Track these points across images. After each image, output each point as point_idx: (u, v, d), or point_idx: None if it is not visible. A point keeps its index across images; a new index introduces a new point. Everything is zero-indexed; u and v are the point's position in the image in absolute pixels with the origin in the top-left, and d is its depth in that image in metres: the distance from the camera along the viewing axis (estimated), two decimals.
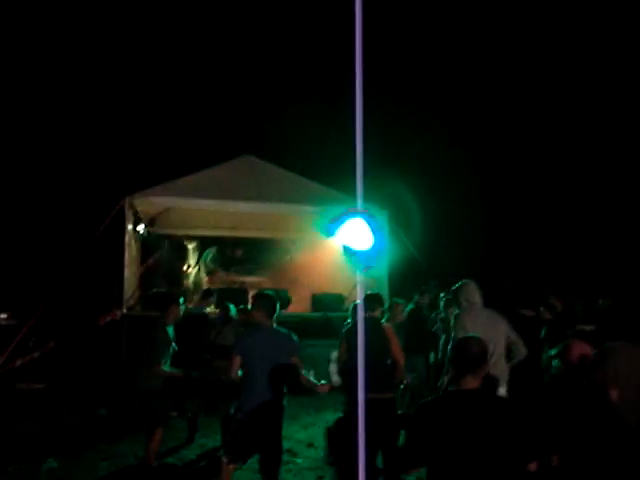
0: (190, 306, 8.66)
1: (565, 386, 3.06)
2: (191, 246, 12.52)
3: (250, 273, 12.34)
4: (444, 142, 16.22)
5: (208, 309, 7.49)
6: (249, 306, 7.09)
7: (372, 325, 4.92)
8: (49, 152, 14.98)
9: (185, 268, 12.36)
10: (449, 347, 5.16)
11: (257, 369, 4.34)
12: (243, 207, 10.44)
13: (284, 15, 16.53)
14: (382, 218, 10.71)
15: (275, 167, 11.33)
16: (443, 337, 6.11)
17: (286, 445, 5.48)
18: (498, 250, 15.61)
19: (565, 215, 15.60)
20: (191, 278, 12.28)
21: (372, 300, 5.08)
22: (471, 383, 2.63)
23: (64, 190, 14.30)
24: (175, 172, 10.68)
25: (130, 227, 10.15)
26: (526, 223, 15.92)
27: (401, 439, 4.94)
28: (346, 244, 9.57)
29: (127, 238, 9.96)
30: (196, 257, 12.52)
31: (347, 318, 7.40)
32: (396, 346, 4.92)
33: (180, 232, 12.28)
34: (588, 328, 5.39)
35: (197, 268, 12.40)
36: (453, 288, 5.11)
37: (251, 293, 10.44)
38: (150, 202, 10.17)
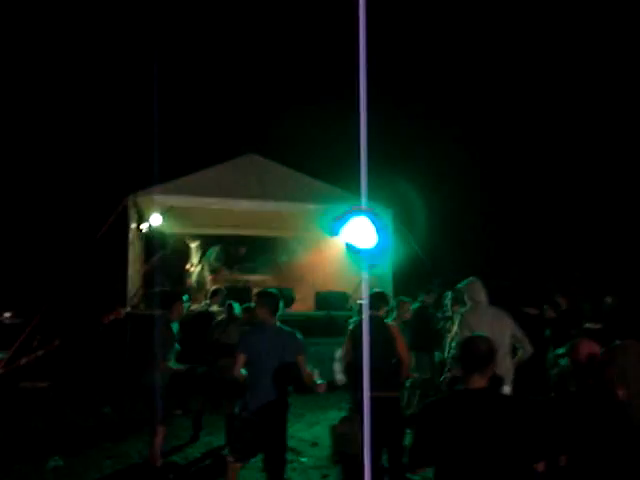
0: (194, 305, 8.67)
1: (573, 385, 3.04)
2: (194, 245, 12.52)
3: (254, 271, 12.33)
4: (449, 141, 16.18)
5: (215, 307, 7.47)
6: (253, 304, 7.11)
7: (377, 324, 4.90)
8: (52, 151, 15.00)
9: (188, 267, 12.35)
10: (453, 345, 5.18)
11: (262, 367, 4.32)
12: (247, 205, 10.42)
13: (288, 12, 16.51)
14: (386, 216, 10.69)
15: (279, 165, 11.31)
16: (448, 335, 6.09)
17: (291, 444, 5.48)
18: (502, 249, 15.58)
19: (569, 213, 15.56)
20: (194, 277, 12.28)
21: (377, 299, 5.05)
22: (478, 382, 2.61)
23: (68, 189, 14.32)
24: (179, 171, 10.68)
25: (133, 226, 10.16)
26: (530, 222, 15.89)
27: (407, 438, 4.93)
28: (350, 242, 9.54)
29: (131, 237, 9.97)
30: (199, 256, 12.51)
31: (351, 317, 7.42)
32: (402, 345, 4.90)
33: (184, 231, 12.28)
34: (595, 326, 5.36)
35: (200, 267, 12.39)
36: (458, 286, 5.10)
37: (255, 291, 10.44)
38: (153, 201, 10.16)
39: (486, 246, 15.27)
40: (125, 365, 8.72)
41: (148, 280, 11.34)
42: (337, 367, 5.66)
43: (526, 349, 4.82)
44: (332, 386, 9.65)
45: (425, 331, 6.51)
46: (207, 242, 12.56)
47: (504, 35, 16.66)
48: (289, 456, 5.25)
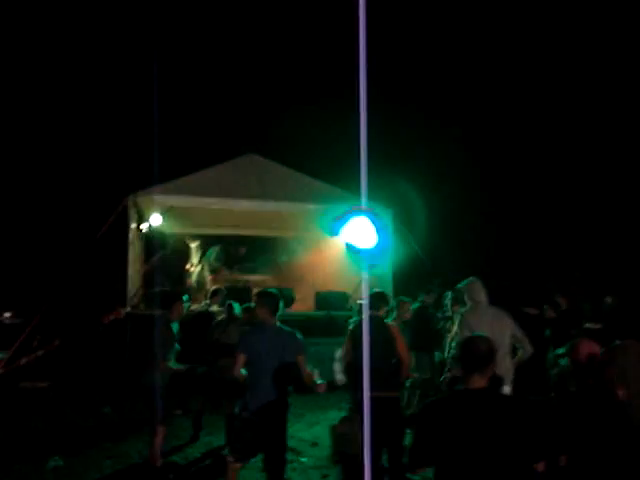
0: (194, 305, 8.67)
1: (573, 385, 3.04)
2: (193, 245, 12.52)
3: (254, 271, 12.33)
4: (449, 141, 16.18)
5: (215, 307, 7.47)
6: (253, 304, 7.11)
7: (377, 324, 4.90)
8: (52, 151, 15.00)
9: (188, 267, 12.35)
10: (453, 345, 5.18)
11: (262, 367, 4.33)
12: (247, 205, 10.42)
13: (288, 13, 16.51)
14: (386, 216, 10.69)
15: (279, 165, 11.31)
16: (448, 335, 6.09)
17: (291, 444, 5.48)
18: (502, 249, 15.58)
19: (569, 213, 15.56)
20: (194, 277, 12.28)
21: (377, 299, 5.05)
22: (478, 382, 2.61)
23: (67, 189, 14.32)
24: (178, 171, 10.67)
25: (133, 226, 10.15)
26: (530, 222, 15.88)
27: (407, 439, 4.93)
28: (350, 242, 9.54)
29: (131, 237, 9.97)
30: (199, 256, 12.50)
31: (351, 317, 7.41)
32: (402, 344, 4.90)
33: (184, 231, 12.28)
34: (595, 326, 5.36)
35: (200, 267, 12.39)
36: (458, 286, 5.10)
37: (255, 291, 10.43)
38: (153, 201, 10.16)
39: (486, 246, 15.27)
40: (125, 365, 8.73)
41: (148, 280, 11.34)
42: (337, 367, 5.66)
43: (526, 349, 4.82)
44: (332, 386, 9.64)
45: (425, 331, 6.51)
46: (207, 242, 12.56)
47: (504, 34, 16.66)
48: (289, 456, 5.25)
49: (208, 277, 11.81)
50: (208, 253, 12.32)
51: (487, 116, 16.67)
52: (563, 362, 3.14)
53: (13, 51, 15.32)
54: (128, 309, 9.33)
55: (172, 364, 5.42)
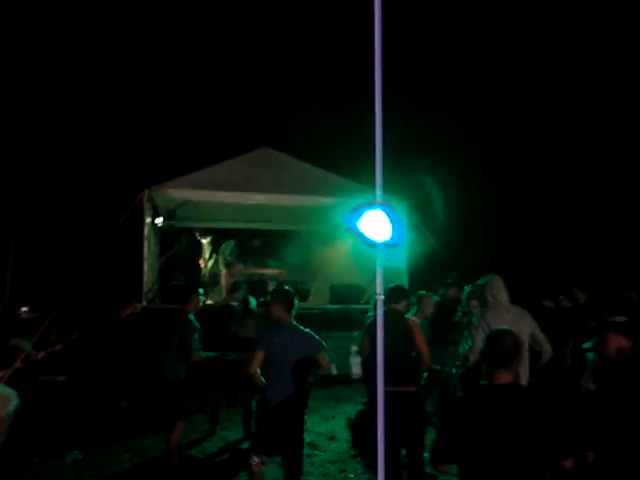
0: (209, 300, 8.67)
1: (601, 379, 2.98)
2: (205, 241, 12.49)
3: (268, 265, 12.30)
4: (464, 133, 16.02)
5: (234, 302, 7.45)
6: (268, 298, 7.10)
7: (395, 318, 4.85)
8: (68, 146, 15.08)
9: (201, 262, 12.33)
10: (470, 342, 5.09)
11: (280, 365, 4.34)
12: (261, 199, 10.38)
13: (302, 6, 16.41)
14: (402, 209, 10.61)
15: (293, 159, 11.24)
16: (465, 331, 6.02)
17: (308, 438, 5.47)
18: (519, 242, 15.43)
19: (586, 207, 15.35)
20: (208, 271, 12.28)
21: (395, 293, 5.00)
22: (504, 377, 2.57)
23: (83, 184, 14.39)
24: (193, 165, 10.66)
25: (148, 220, 10.16)
26: (548, 215, 15.70)
27: (429, 435, 4.90)
28: (365, 236, 9.51)
29: (146, 231, 9.98)
30: (211, 250, 12.49)
31: (368, 311, 7.37)
32: (420, 339, 4.84)
33: (198, 225, 12.29)
34: (620, 319, 5.27)
35: (214, 261, 12.39)
36: (479, 283, 5.00)
37: (270, 285, 10.43)
38: (168, 195, 10.16)
39: (502, 239, 15.13)
40: (142, 359, 8.78)
41: (163, 275, 11.39)
42: (354, 361, 5.63)
43: (545, 350, 4.69)
44: (348, 380, 9.67)
45: (445, 325, 6.45)
46: (221, 236, 12.55)
47: (522, 27, 16.44)
48: (306, 450, 5.23)
49: (223, 271, 11.81)
50: (222, 247, 12.32)
51: (505, 107, 16.45)
52: (590, 356, 3.07)
53: (31, 47, 15.40)
54: (144, 303, 9.35)
55: (202, 353, 5.46)
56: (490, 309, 4.77)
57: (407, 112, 14.61)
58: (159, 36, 16.55)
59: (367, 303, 10.11)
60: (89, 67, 15.95)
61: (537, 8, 16.23)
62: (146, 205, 9.94)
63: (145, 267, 9.87)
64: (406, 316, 5.08)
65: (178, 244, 12.37)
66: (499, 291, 4.78)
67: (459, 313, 6.66)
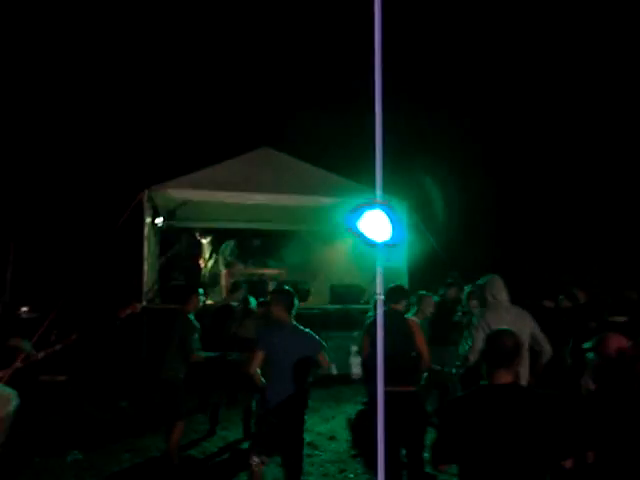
0: (209, 300, 8.67)
1: (601, 379, 2.98)
2: (205, 241, 12.48)
3: (268, 265, 12.30)
4: (464, 133, 16.01)
5: (234, 302, 7.46)
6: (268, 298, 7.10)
7: (395, 318, 4.85)
8: (68, 146, 15.07)
9: (201, 262, 12.32)
10: (470, 342, 5.09)
11: (281, 365, 4.34)
12: (261, 199, 10.38)
13: (302, 6, 16.41)
14: (402, 209, 10.61)
15: (293, 159, 11.24)
16: (465, 331, 6.02)
17: (308, 438, 5.47)
18: (518, 242, 15.43)
19: (585, 208, 15.34)
20: (208, 271, 12.28)
21: (395, 293, 5.00)
22: (504, 377, 2.57)
23: (83, 184, 14.39)
24: (193, 165, 10.66)
25: (148, 220, 10.16)
26: (547, 215, 15.69)
27: (429, 435, 4.90)
28: (365, 236, 9.51)
29: (146, 231, 9.97)
30: (211, 250, 12.48)
31: (368, 311, 7.36)
32: (420, 339, 4.84)
33: (198, 225, 12.29)
34: (620, 319, 5.27)
35: (214, 261, 12.39)
36: (479, 283, 5.00)
37: (270, 285, 10.43)
38: (168, 195, 10.16)
39: (502, 239, 15.12)
40: (142, 359, 8.78)
41: (163, 274, 11.39)
42: (354, 361, 5.63)
43: (545, 350, 4.69)
44: (348, 380, 9.66)
45: (445, 325, 6.45)
46: (221, 236, 12.55)
47: (521, 27, 16.43)
48: (306, 450, 5.23)
49: (223, 271, 11.81)
50: (222, 247, 12.32)
51: (505, 107, 16.44)
52: (590, 356, 3.07)
53: (29, 48, 15.39)
54: (144, 303, 9.35)
55: (202, 353, 5.46)
56: (490, 309, 4.76)
57: (407, 112, 14.61)
58: (160, 36, 16.55)
59: (367, 303, 10.11)
60: (89, 68, 15.94)
61: (536, 8, 16.22)
62: (146, 205, 9.93)
63: (145, 267, 9.87)
64: (406, 316, 5.08)
65: (178, 244, 12.37)
66: (499, 291, 4.78)
67: (459, 313, 6.66)
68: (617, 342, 2.96)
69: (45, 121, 15.15)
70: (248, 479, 4.57)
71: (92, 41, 15.98)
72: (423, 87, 16.46)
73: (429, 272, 10.42)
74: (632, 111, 15.19)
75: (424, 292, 5.90)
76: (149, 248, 10.18)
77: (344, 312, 10.20)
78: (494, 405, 2.52)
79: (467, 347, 4.99)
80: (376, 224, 8.11)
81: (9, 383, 5.61)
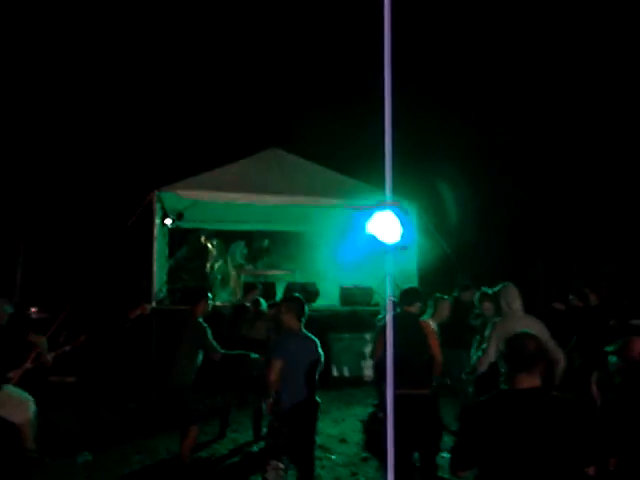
0: (218, 302, 8.66)
1: (625, 384, 2.91)
2: (211, 244, 12.43)
3: (278, 266, 12.27)
4: (476, 134, 15.91)
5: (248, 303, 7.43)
6: (278, 300, 7.07)
7: (408, 321, 4.80)
8: (78, 148, 15.12)
9: (209, 265, 12.28)
10: (483, 347, 5.03)
11: (295, 371, 4.36)
12: (270, 200, 10.34)
13: (312, 7, 16.39)
14: (412, 211, 10.57)
15: (303, 160, 11.23)
16: (477, 336, 5.96)
17: (318, 441, 5.41)
18: (529, 244, 15.33)
19: (596, 210, 15.20)
20: (218, 273, 12.25)
21: (409, 295, 4.95)
22: (526, 382, 2.51)
23: (93, 185, 14.43)
24: (202, 166, 10.67)
25: (158, 221, 10.17)
26: (558, 218, 15.57)
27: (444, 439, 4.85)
28: (375, 237, 9.44)
29: (155, 232, 9.98)
30: (218, 252, 12.42)
31: (379, 313, 7.31)
32: (434, 341, 4.79)
33: (207, 226, 12.29)
34: (637, 322, 5.19)
35: (223, 262, 12.37)
36: (494, 290, 4.96)
37: (279, 286, 10.39)
38: (178, 196, 10.16)
39: (512, 242, 15.03)
40: (151, 360, 8.77)
41: (172, 276, 11.39)
42: (367, 363, 5.59)
43: (559, 359, 4.60)
44: (359, 382, 9.61)
45: (460, 328, 6.39)
46: (231, 237, 12.54)
47: (540, 26, 16.29)
48: (317, 453, 5.19)
49: (232, 273, 11.80)
50: (232, 248, 12.29)
51: (518, 108, 16.30)
52: (612, 360, 3.01)
53: (42, 51, 15.46)
54: (153, 304, 9.35)
55: (223, 350, 5.42)
56: (503, 320, 4.72)
57: (418, 112, 14.54)
58: (168, 39, 16.58)
59: (377, 305, 10.06)
60: (100, 70, 15.99)
61: (554, 8, 16.07)
62: (156, 206, 9.94)
63: (154, 268, 9.87)
64: (421, 319, 5.03)
65: (186, 245, 12.38)
66: (513, 299, 4.74)
67: (473, 316, 6.60)
68: None
69: (56, 123, 15.20)
70: None
71: (104, 45, 16.03)
72: (435, 87, 16.38)
73: (440, 274, 10.36)
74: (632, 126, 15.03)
75: (441, 295, 5.84)
76: (158, 249, 10.18)
77: (354, 314, 10.15)
78: (515, 410, 2.47)
79: (475, 357, 4.95)
80: (386, 226, 8.04)
81: (19, 384, 5.63)
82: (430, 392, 4.86)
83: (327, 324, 9.58)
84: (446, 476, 4.81)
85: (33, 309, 10.95)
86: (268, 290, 9.65)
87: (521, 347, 2.56)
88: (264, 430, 5.51)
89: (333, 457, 6.07)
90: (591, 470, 2.47)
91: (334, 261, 12.15)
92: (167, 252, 11.46)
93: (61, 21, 15.52)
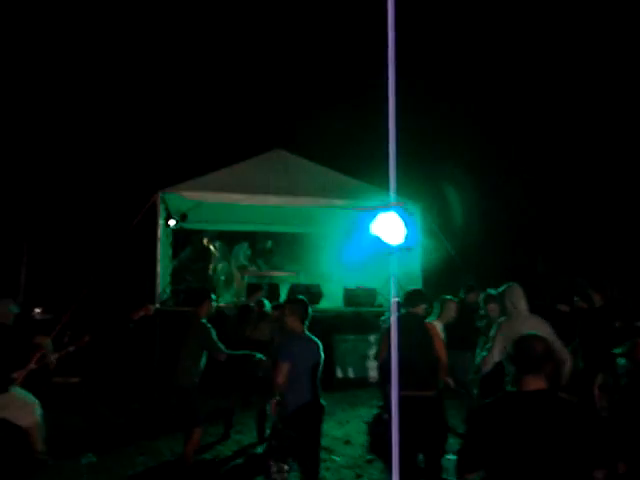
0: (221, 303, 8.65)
1: (631, 386, 2.89)
2: (214, 246, 12.42)
3: (282, 268, 12.26)
4: (480, 134, 15.88)
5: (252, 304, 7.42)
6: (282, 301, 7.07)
7: (414, 322, 4.78)
8: (82, 149, 15.14)
9: (212, 266, 12.27)
10: (487, 347, 5.01)
11: (299, 374, 4.35)
12: (274, 201, 10.33)
13: (315, 8, 16.39)
14: (416, 212, 10.55)
15: (306, 161, 11.22)
16: (482, 337, 5.93)
17: (323, 442, 5.39)
18: (533, 245, 15.29)
19: (600, 212, 15.15)
20: (222, 274, 12.25)
21: (414, 296, 4.93)
22: (533, 384, 2.49)
23: (97, 186, 14.44)
24: (206, 167, 10.67)
25: (162, 222, 10.17)
26: (562, 218, 15.53)
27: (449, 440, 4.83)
28: (379, 238, 9.43)
29: (159, 233, 9.98)
30: (221, 254, 12.41)
31: (383, 314, 7.28)
32: (439, 343, 4.77)
33: (211, 227, 12.29)
34: None
35: (226, 263, 12.36)
36: (499, 291, 4.93)
37: (283, 287, 10.39)
38: (181, 197, 10.15)
39: (516, 243, 14.99)
40: (155, 361, 8.76)
41: (176, 277, 11.39)
42: (372, 365, 5.56)
43: (565, 359, 4.57)
44: (363, 383, 9.59)
45: (465, 329, 6.36)
46: (234, 238, 12.54)
47: (548, 25, 16.23)
48: (322, 455, 5.17)
49: (236, 274, 11.79)
50: (235, 249, 12.29)
51: (525, 110, 16.24)
52: (621, 362, 2.98)
53: (45, 52, 15.50)
54: (157, 305, 9.35)
55: (228, 351, 5.40)
56: (508, 320, 4.69)
57: (423, 113, 14.51)
58: (172, 41, 16.60)
59: (381, 306, 10.04)
60: (105, 73, 16.02)
61: (562, 7, 16.00)
62: (159, 207, 9.94)
63: (158, 269, 9.87)
64: (427, 320, 5.01)
65: (190, 246, 12.38)
66: (518, 299, 4.71)
67: (479, 318, 6.58)
68: None
69: (60, 124, 15.23)
70: None
71: (109, 48, 16.07)
72: (438, 88, 16.35)
73: (444, 276, 10.33)
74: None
75: (448, 296, 5.81)
76: (162, 250, 10.18)
77: (358, 315, 10.13)
78: (522, 413, 2.44)
79: (480, 357, 4.92)
80: (390, 227, 8.03)
81: (23, 384, 5.63)
82: (435, 394, 4.84)
83: (331, 325, 9.56)
84: (451, 478, 4.78)
85: (37, 310, 10.96)
86: (272, 291, 9.65)
87: (528, 349, 2.54)
88: (268, 432, 5.50)
89: (337, 459, 6.06)
90: (600, 474, 2.44)
91: (338, 262, 12.14)
92: (171, 253, 11.47)
93: (66, 23, 15.55)
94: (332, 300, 10.86)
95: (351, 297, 10.54)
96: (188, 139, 15.92)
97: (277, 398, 4.34)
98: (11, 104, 14.35)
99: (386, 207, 8.52)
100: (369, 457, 6.10)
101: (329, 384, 7.37)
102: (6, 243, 13.63)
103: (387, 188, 2.33)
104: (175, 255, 11.81)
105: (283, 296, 9.57)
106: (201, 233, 12.37)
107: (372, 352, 5.46)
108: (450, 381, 5.17)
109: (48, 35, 15.43)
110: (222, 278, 12.07)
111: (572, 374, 4.49)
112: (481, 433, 2.50)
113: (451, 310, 5.53)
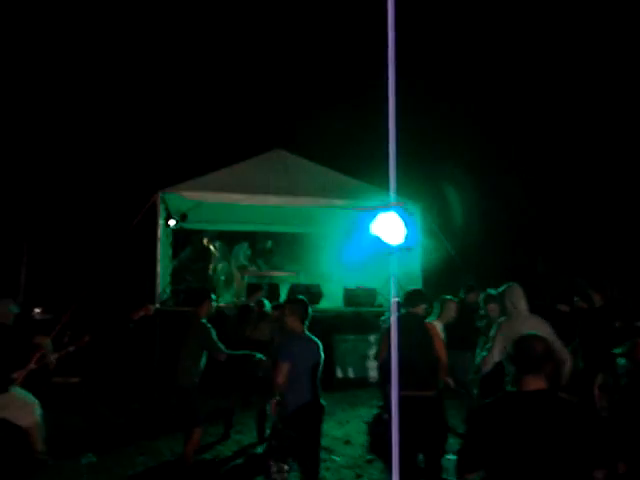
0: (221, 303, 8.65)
1: (632, 386, 2.89)
2: (214, 246, 12.42)
3: (281, 267, 12.26)
4: (480, 134, 15.88)
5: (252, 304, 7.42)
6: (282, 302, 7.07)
7: (414, 322, 4.78)
8: (83, 149, 15.14)
9: (212, 266, 12.27)
10: (487, 347, 5.01)
11: (300, 374, 4.35)
12: (274, 201, 10.33)
13: (315, 8, 16.39)
14: (416, 212, 10.54)
15: (306, 161, 11.22)
16: (482, 337, 5.93)
17: (323, 442, 5.39)
18: (533, 245, 15.28)
19: (604, 211, 15.14)
20: (222, 274, 12.25)
21: (414, 296, 4.93)
22: (533, 384, 2.49)
23: (97, 186, 14.44)
24: (206, 167, 10.67)
25: (162, 222, 10.17)
26: (561, 218, 15.53)
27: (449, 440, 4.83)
28: (379, 238, 9.43)
29: (159, 233, 9.98)
30: (221, 254, 12.41)
31: (383, 314, 7.28)
32: (439, 343, 4.77)
33: (211, 227, 12.29)
34: None
35: (226, 263, 12.36)
36: (499, 291, 4.93)
37: (283, 288, 10.39)
38: (181, 197, 10.15)
39: (516, 243, 14.99)
40: (155, 361, 8.76)
41: (175, 277, 11.39)
42: (372, 364, 5.56)
43: (565, 359, 4.57)
44: (364, 383, 9.60)
45: (465, 329, 6.36)
46: (234, 238, 12.54)
47: (548, 26, 16.23)
48: (322, 455, 5.16)
49: (236, 274, 11.79)
50: (235, 250, 12.29)
51: (526, 110, 16.23)
52: (621, 362, 2.99)
53: (45, 52, 15.50)
54: (157, 305, 9.35)
55: (228, 351, 5.40)
56: (508, 320, 4.69)
57: (423, 113, 14.51)
58: (173, 41, 16.61)
59: (381, 306, 10.04)
60: (105, 73, 16.02)
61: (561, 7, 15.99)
62: (159, 207, 9.94)
63: (158, 269, 9.87)
64: (427, 320, 5.01)
65: (190, 246, 12.38)
66: (518, 299, 4.71)
67: (479, 318, 6.58)
68: None
69: (60, 124, 15.23)
70: None
71: (109, 48, 16.07)
72: (438, 88, 16.35)
73: (444, 276, 10.33)
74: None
75: (448, 296, 5.81)
76: (162, 250, 10.18)
77: (358, 315, 10.13)
78: (522, 413, 2.44)
79: (480, 357, 4.92)
80: (390, 227, 8.02)
81: (23, 384, 5.63)
82: (435, 394, 4.84)
83: (331, 325, 9.56)
84: (451, 478, 4.78)
85: (37, 310, 10.97)
86: (272, 291, 9.65)
87: (528, 349, 2.54)
88: (268, 432, 5.50)
89: (337, 459, 6.06)
90: (600, 474, 2.44)
91: (338, 262, 12.14)
92: (171, 253, 11.47)
93: (66, 24, 15.55)
94: (332, 300, 10.86)
95: (351, 297, 10.54)
96: (188, 139, 15.92)
97: (277, 398, 4.34)
98: (11, 104, 14.35)
99: (386, 207, 8.52)
100: (369, 457, 6.11)
101: (329, 384, 7.36)
102: (6, 243, 13.63)
103: (387, 188, 2.33)
104: (175, 255, 11.81)
105: (283, 296, 9.57)
106: (201, 233, 12.37)
107: (372, 352, 5.45)
108: (450, 381, 5.17)
109: (48, 35, 15.43)
110: (222, 278, 12.07)
111: (572, 374, 4.50)
112: (481, 433, 2.51)
113: (451, 310, 5.53)
